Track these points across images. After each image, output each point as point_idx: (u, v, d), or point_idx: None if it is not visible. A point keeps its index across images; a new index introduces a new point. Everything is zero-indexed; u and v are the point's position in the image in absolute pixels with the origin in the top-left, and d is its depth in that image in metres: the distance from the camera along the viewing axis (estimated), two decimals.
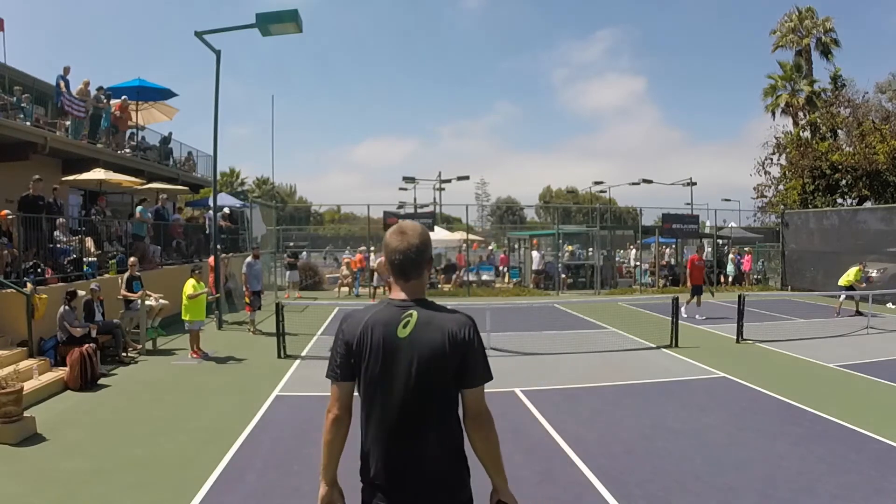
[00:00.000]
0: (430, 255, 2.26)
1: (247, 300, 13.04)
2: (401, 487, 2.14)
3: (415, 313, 2.14)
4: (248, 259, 13.41)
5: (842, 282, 15.26)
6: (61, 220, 11.17)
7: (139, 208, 14.91)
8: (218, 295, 13.41)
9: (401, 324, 2.13)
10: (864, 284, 15.46)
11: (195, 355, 10.01)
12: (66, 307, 8.83)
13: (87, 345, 8.33)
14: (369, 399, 2.17)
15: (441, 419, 2.17)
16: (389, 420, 2.15)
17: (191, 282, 10.16)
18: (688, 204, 32.49)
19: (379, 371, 2.13)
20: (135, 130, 19.64)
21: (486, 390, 2.24)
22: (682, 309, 14.52)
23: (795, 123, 29.94)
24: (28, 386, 7.13)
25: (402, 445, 2.14)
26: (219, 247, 14.20)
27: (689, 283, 15.58)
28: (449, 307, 2.25)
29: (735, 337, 11.52)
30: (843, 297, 15.16)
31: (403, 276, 2.20)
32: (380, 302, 2.29)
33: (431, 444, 2.15)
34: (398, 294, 2.22)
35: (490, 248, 29.22)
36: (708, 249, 25.25)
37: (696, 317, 14.51)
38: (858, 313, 14.73)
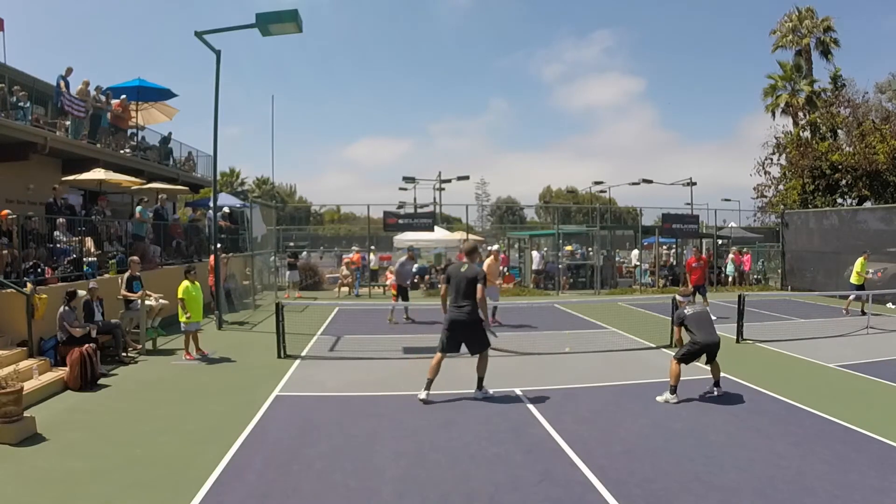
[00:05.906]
0: (474, 249, 7.92)
1: (393, 292, 14.54)
2: (458, 321, 7.31)
3: (466, 264, 7.54)
4: (403, 259, 14.50)
5: (853, 279, 15.23)
6: (61, 220, 11.17)
7: (139, 208, 14.90)
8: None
9: (461, 267, 7.51)
10: (871, 275, 15.43)
11: (189, 357, 9.94)
12: (66, 307, 8.83)
13: (87, 345, 8.33)
14: (452, 290, 7.41)
15: (473, 297, 7.26)
16: (456, 298, 7.35)
17: (185, 284, 10.08)
18: (688, 204, 32.61)
19: (455, 281, 7.40)
20: (135, 130, 19.64)
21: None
22: None
23: (795, 123, 29.91)
24: (28, 386, 7.14)
25: (459, 306, 7.32)
26: (219, 246, 14.19)
27: (688, 285, 15.36)
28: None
29: (735, 337, 11.51)
30: (852, 296, 15.14)
31: (468, 256, 7.72)
32: (455, 263, 8.37)
33: (469, 306, 7.28)
34: (461, 260, 8.00)
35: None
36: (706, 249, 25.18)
37: None
38: (863, 313, 14.72)
